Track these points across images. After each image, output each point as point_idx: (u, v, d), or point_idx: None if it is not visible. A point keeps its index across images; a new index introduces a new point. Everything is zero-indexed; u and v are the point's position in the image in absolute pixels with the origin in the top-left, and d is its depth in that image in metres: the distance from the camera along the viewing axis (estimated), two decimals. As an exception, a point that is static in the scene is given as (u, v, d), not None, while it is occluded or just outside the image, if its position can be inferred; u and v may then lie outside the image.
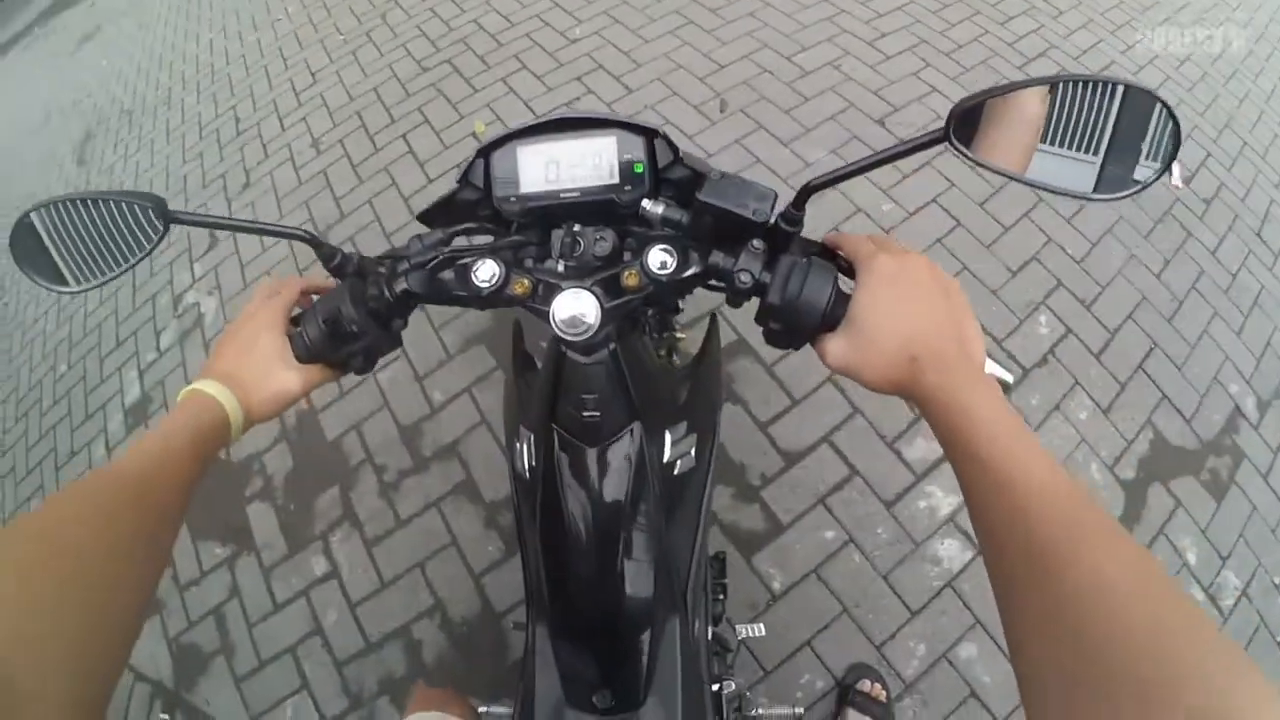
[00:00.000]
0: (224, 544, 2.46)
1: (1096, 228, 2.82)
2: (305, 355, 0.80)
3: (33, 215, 0.75)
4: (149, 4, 7.06)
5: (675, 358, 1.96)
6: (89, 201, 0.75)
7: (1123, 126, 0.61)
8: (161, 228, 0.75)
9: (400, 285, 0.81)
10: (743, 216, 0.72)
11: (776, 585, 2.08)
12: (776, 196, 0.73)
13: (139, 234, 0.75)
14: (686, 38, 3.66)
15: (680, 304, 1.66)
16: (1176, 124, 0.60)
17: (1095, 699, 0.39)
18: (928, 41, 3.61)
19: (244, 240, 3.25)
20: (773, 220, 0.73)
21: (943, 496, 2.17)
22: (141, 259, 0.76)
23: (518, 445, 1.00)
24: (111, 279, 0.76)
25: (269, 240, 3.16)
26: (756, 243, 0.75)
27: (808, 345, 0.76)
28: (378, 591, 2.23)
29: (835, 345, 0.68)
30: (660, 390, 1.03)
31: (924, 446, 2.25)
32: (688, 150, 0.82)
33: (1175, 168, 3.16)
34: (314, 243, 0.79)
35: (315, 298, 0.84)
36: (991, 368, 0.50)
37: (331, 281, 0.85)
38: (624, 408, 0.86)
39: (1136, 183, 0.62)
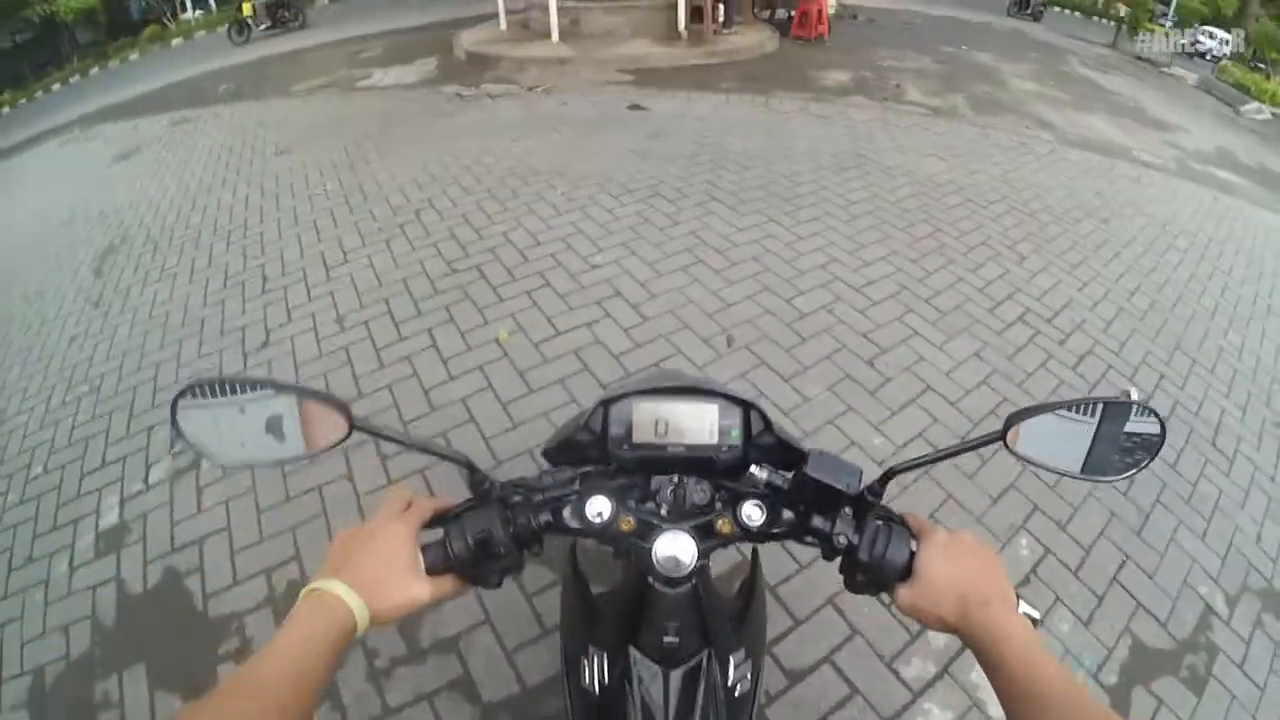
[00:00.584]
0: (185, 700, 2.31)
1: None
2: (441, 567, 0.84)
3: (215, 385, 0.80)
4: (192, 143, 7.48)
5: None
6: (283, 389, 0.81)
7: (1124, 426, 0.87)
8: (344, 433, 0.81)
9: (544, 516, 0.90)
10: (838, 489, 0.86)
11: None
12: (862, 472, 0.88)
13: (318, 431, 0.82)
14: (696, 275, 4.06)
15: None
16: (1162, 424, 0.85)
17: None
18: (909, 288, 4.08)
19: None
20: (860, 491, 0.88)
21: (940, 713, 2.24)
22: (313, 456, 0.83)
23: (584, 661, 1.04)
24: (277, 466, 0.83)
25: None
26: (848, 510, 0.89)
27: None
28: (357, 782, 2.13)
29: (906, 593, 0.84)
30: (724, 619, 1.09)
31: (919, 665, 2.32)
32: (777, 422, 0.96)
33: (1133, 392, 3.52)
34: (471, 468, 0.88)
35: (457, 512, 0.88)
36: (1023, 608, 0.67)
37: (449, 500, 0.91)
38: (699, 635, 0.96)
39: (1135, 465, 0.87)
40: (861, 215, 4.96)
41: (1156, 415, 0.85)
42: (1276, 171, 9.26)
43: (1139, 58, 17.05)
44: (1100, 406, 0.86)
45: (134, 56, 17.58)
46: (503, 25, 10.81)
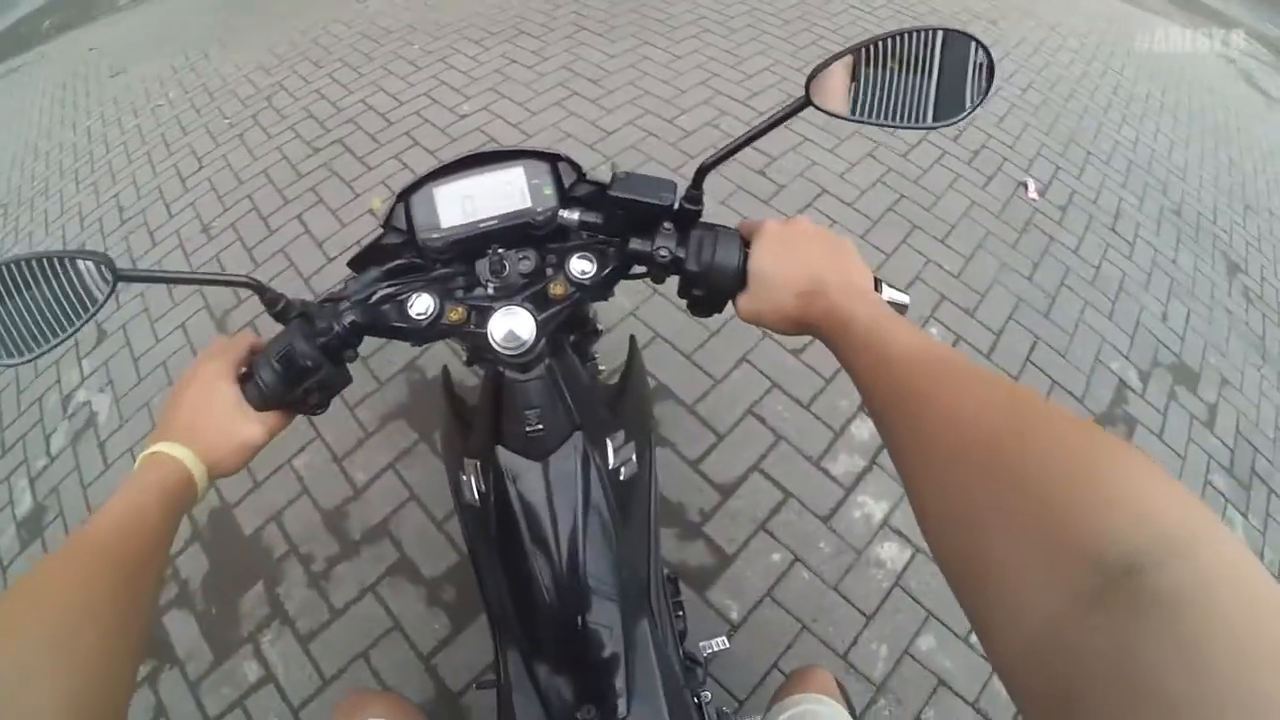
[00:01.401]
0: (142, 661, 2.27)
1: (968, 244, 3.12)
2: (261, 402, 0.79)
3: None
4: (23, 93, 6.80)
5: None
6: (31, 262, 0.71)
7: (949, 65, 0.72)
8: (109, 286, 0.72)
9: (348, 317, 0.83)
10: (652, 204, 0.81)
11: (734, 615, 2.10)
12: (677, 185, 0.82)
13: (83, 295, 0.72)
14: (572, 108, 3.81)
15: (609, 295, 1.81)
16: (989, 56, 0.71)
17: (986, 528, 0.41)
18: (796, 96, 3.86)
19: (135, 332, 3.08)
20: (678, 205, 0.82)
21: (875, 503, 2.29)
22: (87, 321, 0.73)
23: (463, 478, 1.02)
24: (55, 345, 0.72)
25: (163, 330, 3.01)
26: (667, 224, 0.82)
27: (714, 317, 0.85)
28: (320, 690, 2.06)
29: (744, 300, 0.78)
30: (596, 402, 1.05)
31: (847, 461, 2.38)
32: (590, 169, 0.90)
33: (1030, 182, 3.55)
34: (259, 289, 0.80)
35: (263, 346, 0.84)
36: (890, 294, 0.59)
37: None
38: (565, 419, 0.91)
39: (967, 108, 0.73)
40: (740, 29, 4.68)
41: (979, 44, 0.72)
42: None
43: None
44: (934, 38, 0.72)
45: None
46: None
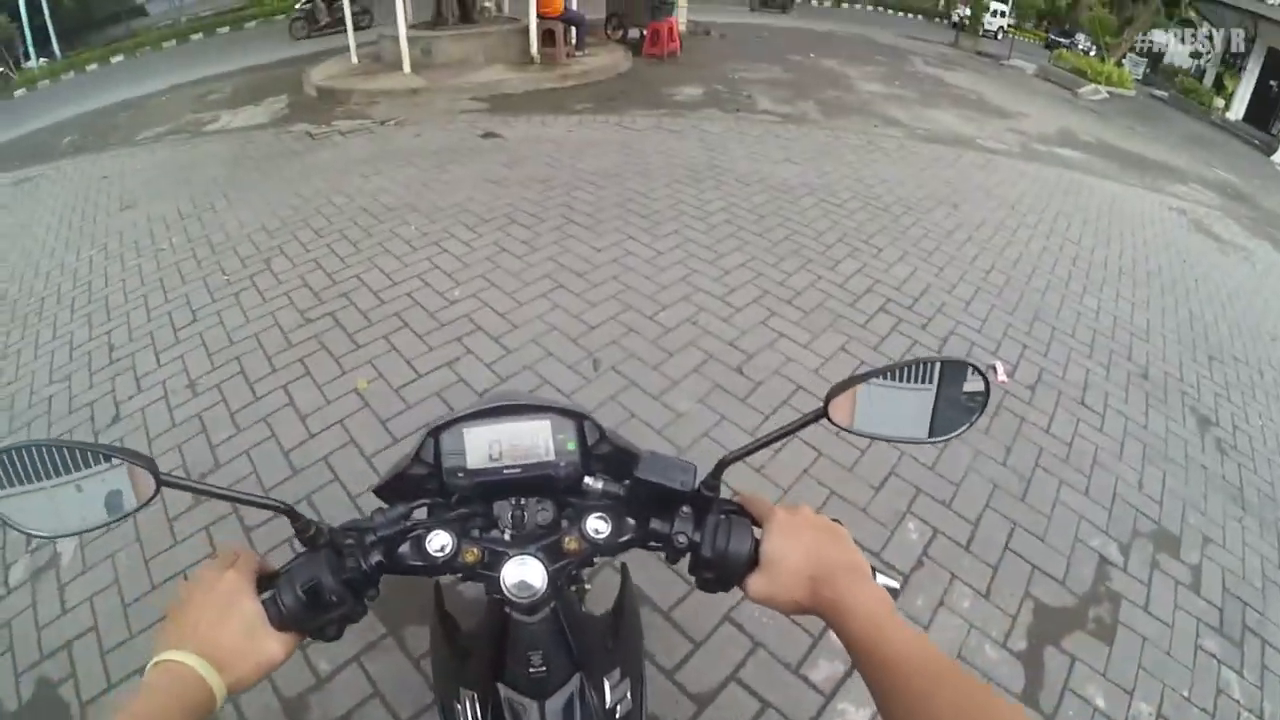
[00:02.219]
0: None
1: None
2: (280, 623, 0.79)
3: (3, 454, 0.72)
4: (34, 204, 7.02)
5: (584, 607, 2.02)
6: (76, 451, 0.74)
7: (948, 385, 0.87)
8: (151, 491, 0.75)
9: (375, 558, 0.85)
10: (673, 488, 0.86)
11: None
12: (696, 469, 0.88)
13: (124, 492, 0.75)
14: (557, 300, 4.13)
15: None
16: (985, 379, 0.86)
17: None
18: (770, 292, 4.28)
19: None
20: (696, 488, 0.88)
21: (855, 711, 2.23)
22: (122, 519, 0.76)
23: (458, 706, 1.01)
24: (84, 532, 0.74)
25: None
26: (685, 508, 0.88)
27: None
28: None
29: (755, 583, 0.83)
30: (594, 640, 1.07)
31: (827, 667, 2.33)
32: (611, 430, 0.98)
33: (999, 365, 3.76)
34: (291, 515, 0.82)
35: (288, 566, 0.84)
36: (882, 580, 0.71)
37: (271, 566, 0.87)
38: (566, 660, 0.94)
39: (963, 424, 0.87)
40: (719, 225, 5.16)
41: (977, 369, 0.86)
42: (1114, 144, 10.20)
43: (979, 53, 18.31)
44: (936, 366, 0.87)
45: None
46: (354, 59, 10.63)
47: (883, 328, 4.03)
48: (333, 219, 5.32)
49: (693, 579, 0.90)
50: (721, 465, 0.89)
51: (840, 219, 5.39)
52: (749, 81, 10.41)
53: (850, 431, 0.88)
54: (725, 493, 0.92)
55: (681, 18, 12.76)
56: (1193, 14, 23.26)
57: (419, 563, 0.88)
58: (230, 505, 2.99)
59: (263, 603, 0.79)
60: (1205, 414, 3.89)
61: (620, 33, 13.10)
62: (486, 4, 11.86)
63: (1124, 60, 20.24)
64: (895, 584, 0.85)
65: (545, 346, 3.74)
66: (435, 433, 0.95)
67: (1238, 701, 2.43)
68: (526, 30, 10.37)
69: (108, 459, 0.75)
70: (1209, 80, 21.59)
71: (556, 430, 0.96)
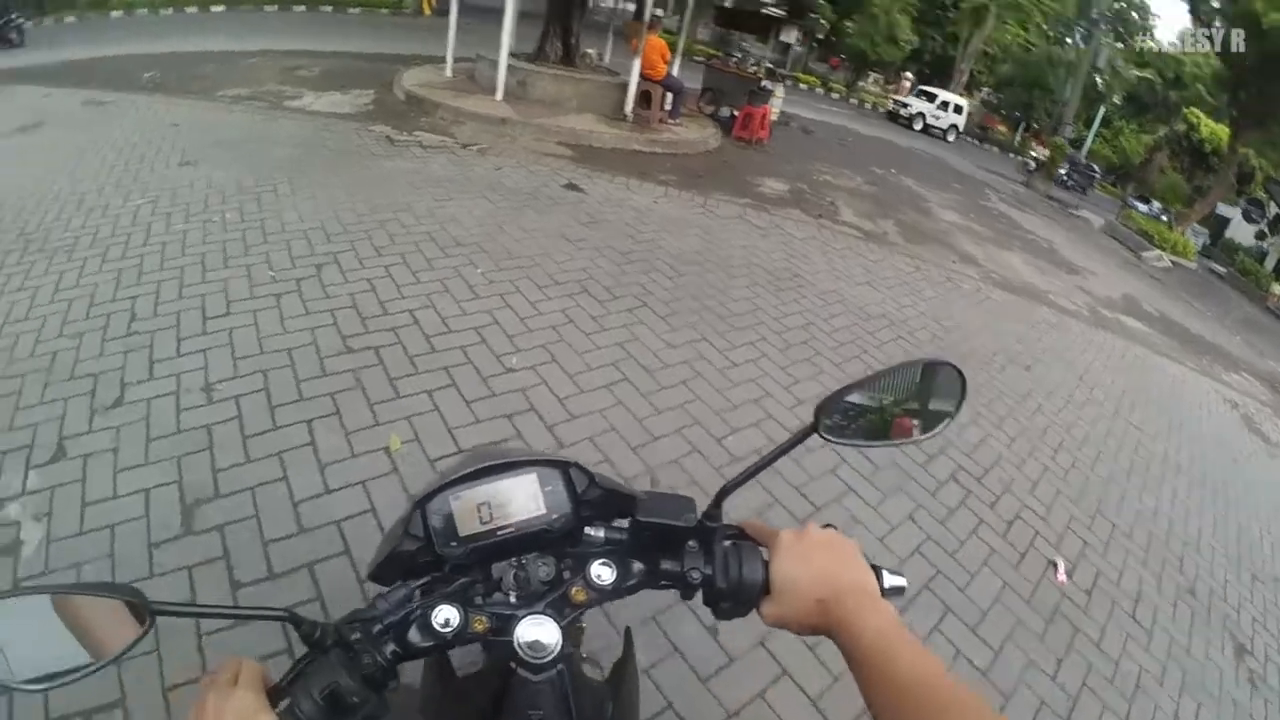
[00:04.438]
0: None
1: (998, 634, 3.00)
2: None
3: None
4: (98, 131, 6.87)
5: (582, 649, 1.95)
6: (54, 598, 0.70)
7: (932, 387, 0.95)
8: (144, 625, 0.70)
9: (389, 648, 0.82)
10: (677, 525, 0.88)
11: None
12: (695, 502, 0.91)
13: (113, 629, 0.70)
14: (621, 396, 3.77)
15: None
16: (961, 375, 0.95)
17: None
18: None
19: (95, 473, 2.76)
20: (699, 521, 0.90)
21: None
22: (116, 659, 0.70)
23: None
24: (78, 679, 0.67)
25: (127, 486, 2.72)
26: (693, 543, 0.89)
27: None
28: None
29: (768, 607, 0.83)
30: (593, 704, 1.03)
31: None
32: (599, 473, 0.94)
33: (1059, 563, 3.60)
34: (295, 621, 0.78)
35: (298, 672, 0.79)
36: (890, 580, 0.85)
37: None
38: None
39: (946, 419, 0.96)
40: (796, 345, 4.86)
41: (955, 368, 0.95)
42: (1176, 320, 10.23)
43: (1050, 197, 18.60)
44: (918, 369, 0.94)
45: (70, 19, 16.38)
46: (448, 72, 10.52)
47: (951, 499, 3.75)
48: (396, 238, 4.99)
49: (703, 607, 0.90)
50: (722, 494, 0.92)
51: (918, 353, 5.08)
52: (833, 187, 10.30)
53: (840, 443, 0.93)
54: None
55: (776, 107, 12.65)
56: (1262, 193, 23.48)
57: (430, 643, 0.84)
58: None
59: (279, 716, 0.73)
60: (1242, 641, 3.69)
61: (713, 108, 13.07)
62: (589, 50, 11.80)
63: (1188, 229, 20.31)
64: (903, 581, 0.86)
65: (602, 449, 3.36)
66: (420, 504, 0.91)
67: None
68: (624, 86, 10.24)
69: (94, 595, 0.72)
70: (1270, 263, 21.42)
71: (544, 482, 0.93)
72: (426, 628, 0.84)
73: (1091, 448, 4.85)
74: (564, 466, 0.94)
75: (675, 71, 11.17)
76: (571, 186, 7.02)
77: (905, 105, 26.73)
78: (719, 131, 11.28)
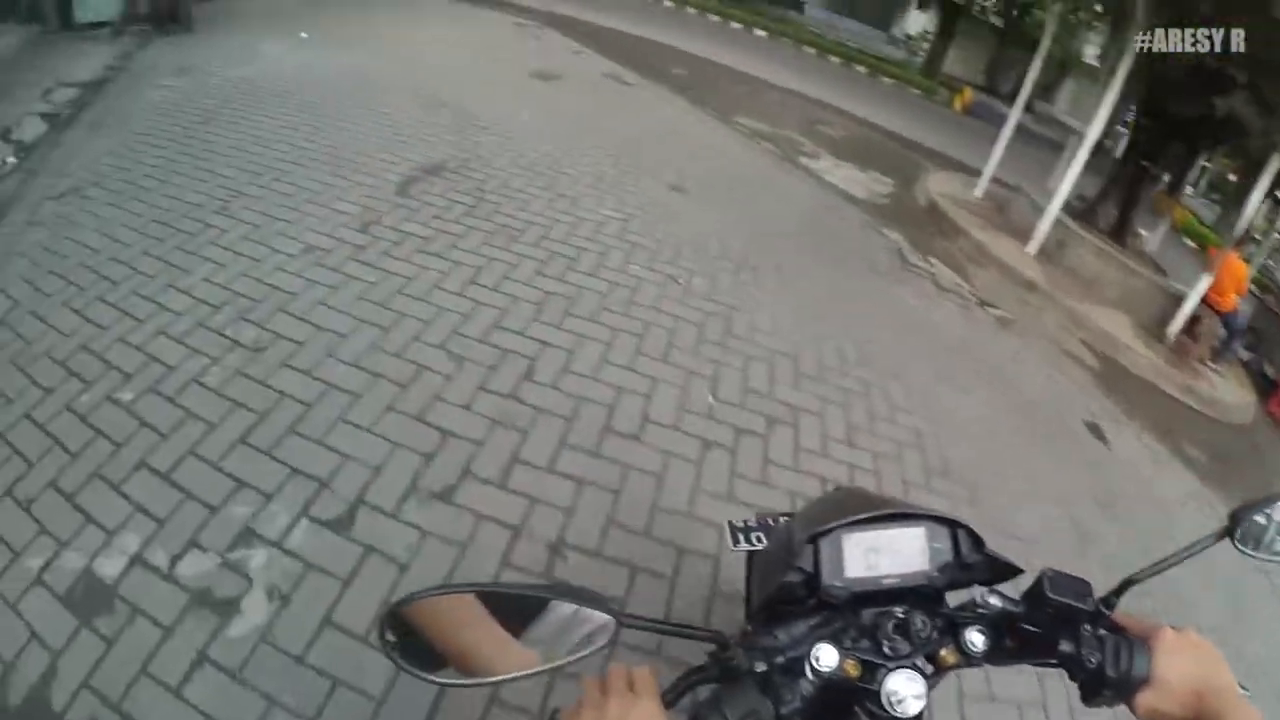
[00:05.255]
0: None
1: None
2: None
3: (420, 601, 0.68)
4: (612, 108, 6.72)
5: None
6: (527, 591, 0.74)
7: None
8: (612, 629, 0.71)
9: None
10: (1080, 607, 0.84)
11: None
12: (1091, 586, 0.86)
13: (575, 630, 0.72)
14: None
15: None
16: None
17: None
18: None
19: (179, 518, 2.09)
20: (1096, 607, 0.85)
21: None
22: (577, 659, 0.71)
23: None
24: (530, 677, 0.70)
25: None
26: (1087, 627, 0.83)
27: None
28: None
29: (1145, 699, 0.79)
30: None
31: None
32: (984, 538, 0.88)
33: None
34: (721, 644, 0.79)
35: (706, 692, 0.78)
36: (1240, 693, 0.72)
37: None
38: None
39: None
40: None
41: None
42: None
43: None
44: None
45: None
46: (979, 190, 8.93)
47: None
48: (877, 424, 3.51)
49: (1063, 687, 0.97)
50: (1126, 585, 0.88)
51: None
52: None
53: (1257, 556, 0.93)
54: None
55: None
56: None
57: (812, 680, 0.80)
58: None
59: None
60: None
61: (1251, 353, 9.99)
62: (1142, 232, 9.51)
63: None
64: (1248, 691, 0.81)
65: None
66: (814, 539, 0.88)
67: None
68: (1175, 297, 7.83)
69: (561, 598, 0.73)
70: None
71: (931, 538, 0.90)
72: (810, 667, 0.80)
73: None
74: (953, 525, 0.90)
75: (1245, 311, 8.56)
76: (1094, 429, 4.86)
77: None
78: (1255, 398, 8.31)
